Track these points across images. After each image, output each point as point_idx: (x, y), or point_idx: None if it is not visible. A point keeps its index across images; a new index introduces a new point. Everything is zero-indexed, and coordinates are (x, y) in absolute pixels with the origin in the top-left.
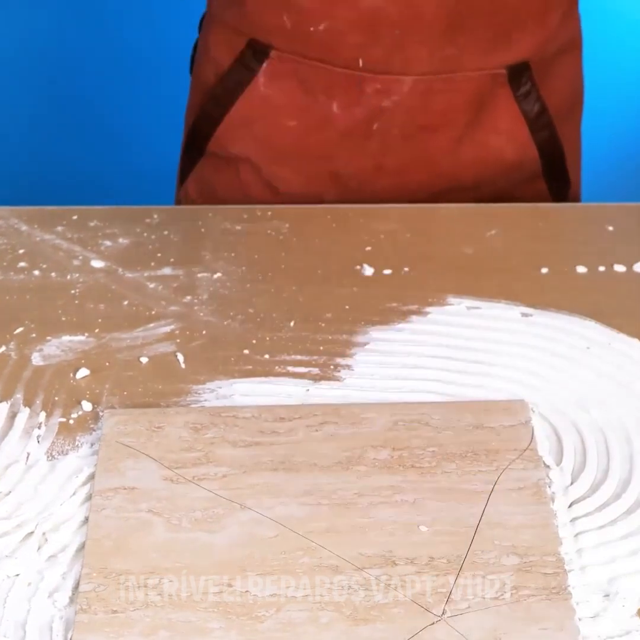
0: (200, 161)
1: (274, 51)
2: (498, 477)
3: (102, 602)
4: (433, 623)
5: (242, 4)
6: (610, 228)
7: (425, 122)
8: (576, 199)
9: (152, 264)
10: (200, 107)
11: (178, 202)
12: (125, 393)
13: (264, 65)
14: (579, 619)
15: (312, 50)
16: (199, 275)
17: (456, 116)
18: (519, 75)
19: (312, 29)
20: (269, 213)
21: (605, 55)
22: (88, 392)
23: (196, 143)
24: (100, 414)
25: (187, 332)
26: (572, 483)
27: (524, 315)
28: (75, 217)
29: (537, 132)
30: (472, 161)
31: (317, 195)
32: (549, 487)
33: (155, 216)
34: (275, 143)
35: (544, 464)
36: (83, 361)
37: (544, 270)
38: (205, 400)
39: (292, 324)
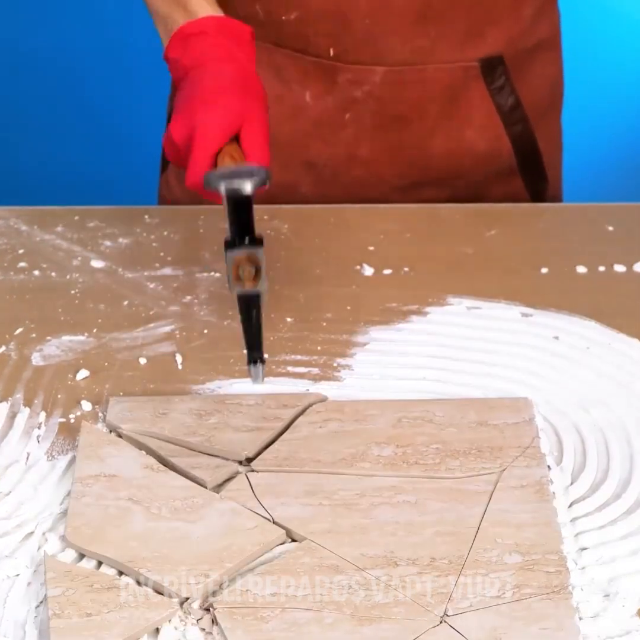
0: None
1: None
2: (501, 475)
3: (74, 605)
4: (435, 626)
5: None
6: (610, 228)
7: (398, 112)
8: (556, 197)
9: (153, 264)
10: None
11: (160, 191)
12: (124, 393)
13: None
14: (579, 619)
15: (285, 39)
16: (199, 275)
17: (428, 107)
18: (492, 69)
19: (284, 17)
20: (269, 214)
21: (606, 55)
22: (88, 392)
23: None
24: (100, 414)
25: (186, 332)
26: (572, 483)
27: (524, 315)
28: (75, 218)
29: (511, 126)
30: (445, 153)
31: (292, 184)
32: (550, 486)
33: (155, 216)
34: None
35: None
36: (82, 361)
37: (544, 270)
38: None
39: (292, 324)
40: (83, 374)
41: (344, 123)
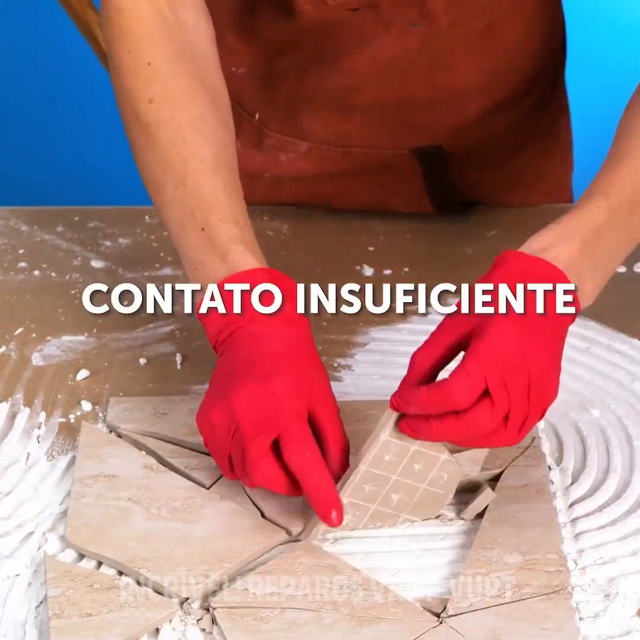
0: None
1: None
2: (501, 474)
3: (73, 605)
4: (435, 626)
5: None
6: None
7: (320, 178)
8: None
9: (153, 264)
10: None
11: None
12: (124, 393)
13: None
14: (579, 619)
15: (231, 88)
16: None
17: (352, 182)
18: (427, 156)
19: (233, 69)
20: (269, 214)
21: (607, 55)
22: (88, 392)
23: None
24: (100, 414)
25: (186, 332)
26: (572, 483)
27: None
28: (75, 218)
29: (440, 201)
30: (366, 209)
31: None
32: (550, 486)
33: (155, 216)
34: None
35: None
36: (83, 362)
37: None
38: None
39: None
40: (83, 374)
41: (263, 178)
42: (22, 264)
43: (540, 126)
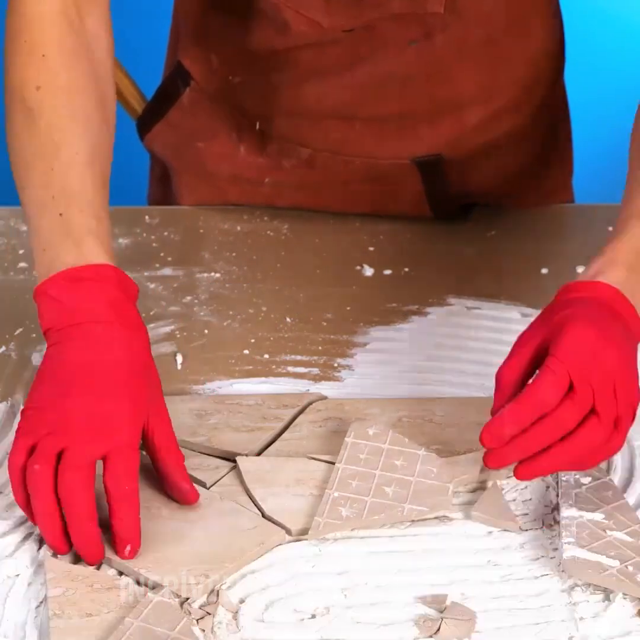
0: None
1: (194, 83)
2: (499, 473)
3: (74, 606)
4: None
5: (174, 30)
6: (610, 228)
7: (320, 185)
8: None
9: (153, 264)
10: (148, 104)
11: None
12: None
13: (187, 90)
14: (580, 619)
15: (227, 98)
16: (199, 275)
17: (353, 187)
18: (427, 165)
19: (230, 78)
20: (268, 215)
21: (608, 55)
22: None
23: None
24: None
25: (187, 333)
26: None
27: (524, 315)
28: None
29: (438, 207)
30: (366, 216)
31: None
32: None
33: (156, 216)
34: (185, 157)
35: None
36: None
37: (544, 270)
38: None
39: (292, 324)
40: None
41: (263, 183)
42: (23, 264)
43: (540, 131)
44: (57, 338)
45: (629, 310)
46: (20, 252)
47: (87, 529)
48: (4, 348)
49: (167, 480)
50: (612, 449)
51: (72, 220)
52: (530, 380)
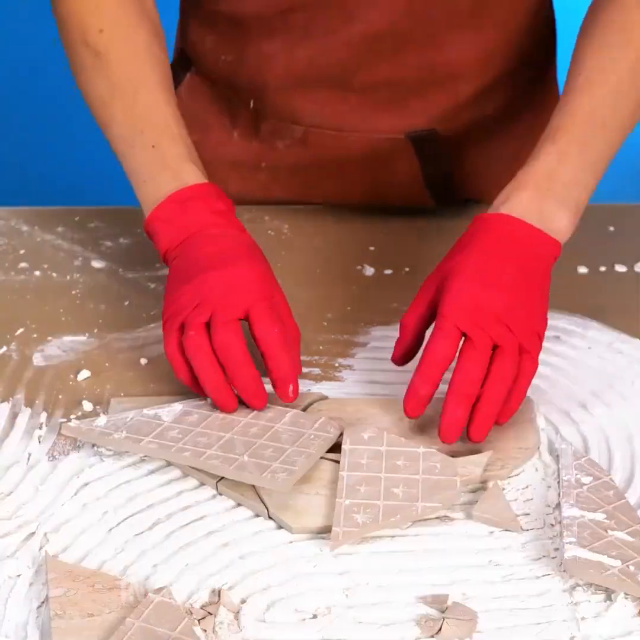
0: None
1: (194, 68)
2: (500, 473)
3: (75, 606)
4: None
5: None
6: (611, 228)
7: (316, 167)
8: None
9: (153, 264)
10: None
11: None
12: (125, 394)
13: (188, 76)
14: (582, 619)
15: (219, 79)
16: None
17: (348, 166)
18: (422, 142)
19: (223, 57)
20: (269, 215)
21: None
22: (89, 393)
23: None
24: (101, 413)
25: None
26: None
27: None
28: (76, 218)
29: (436, 191)
30: (365, 203)
31: None
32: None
33: None
34: None
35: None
36: (84, 362)
37: None
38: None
39: None
40: (84, 374)
41: (260, 168)
42: (23, 265)
43: (533, 106)
44: (177, 252)
45: (532, 235)
46: (21, 252)
47: (247, 372)
48: (4, 348)
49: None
50: (528, 374)
51: (166, 151)
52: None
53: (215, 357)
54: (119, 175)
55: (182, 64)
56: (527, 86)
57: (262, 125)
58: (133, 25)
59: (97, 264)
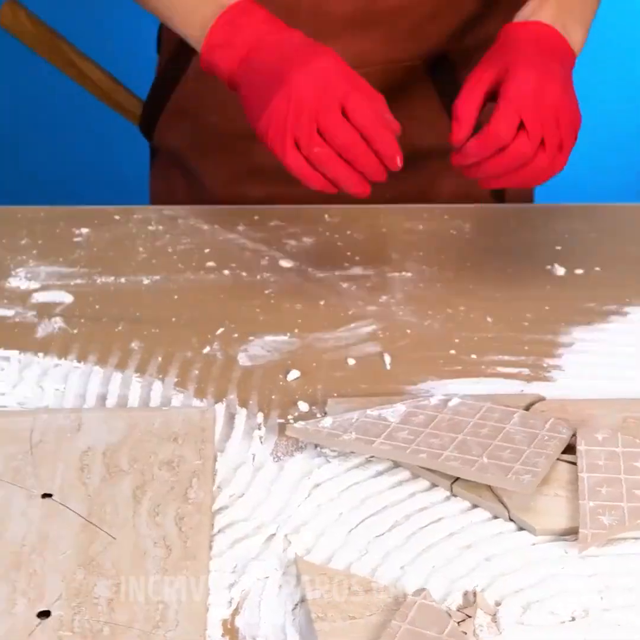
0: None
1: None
2: None
3: (335, 608)
4: None
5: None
6: None
7: None
8: (523, 195)
9: (341, 263)
10: (149, 94)
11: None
12: (337, 394)
13: (193, 61)
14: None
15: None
16: (390, 274)
17: None
18: (436, 67)
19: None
20: (449, 214)
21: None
22: (301, 393)
23: (148, 133)
24: (318, 414)
25: (390, 332)
26: None
27: None
28: (255, 217)
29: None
30: None
31: (241, 192)
32: None
33: (336, 216)
34: (200, 137)
35: None
36: (290, 362)
37: None
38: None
39: (492, 324)
40: (294, 374)
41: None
42: (211, 264)
43: None
44: (243, 70)
45: (563, 44)
46: (206, 251)
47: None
48: (208, 348)
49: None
50: (557, 168)
51: None
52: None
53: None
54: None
55: (184, 52)
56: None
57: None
58: None
59: (285, 263)
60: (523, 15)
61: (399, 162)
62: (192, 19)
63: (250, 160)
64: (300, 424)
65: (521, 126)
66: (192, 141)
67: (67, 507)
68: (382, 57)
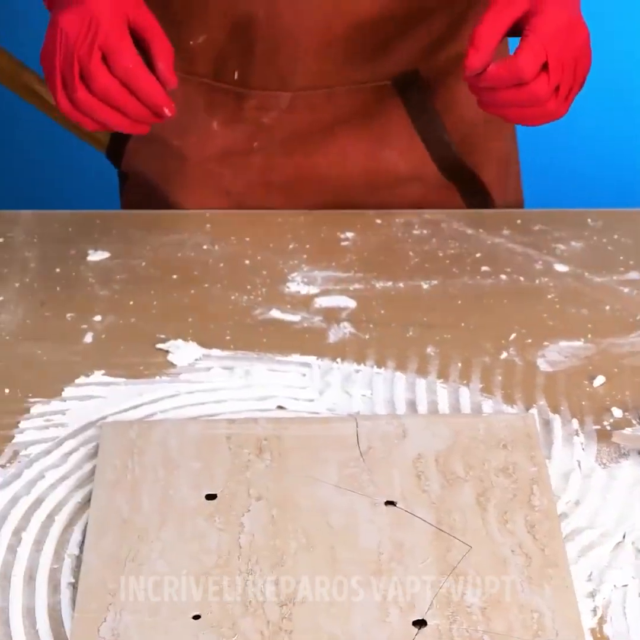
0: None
1: None
2: None
3: None
4: None
5: None
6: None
7: (308, 137)
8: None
9: (617, 268)
10: None
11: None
12: None
13: None
14: None
15: (193, 65)
16: None
17: (340, 129)
18: (407, 86)
19: (191, 43)
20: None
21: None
22: (610, 399)
23: (114, 160)
24: (633, 421)
25: None
26: None
27: None
28: (518, 221)
29: (434, 145)
30: (362, 173)
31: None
32: None
33: (598, 219)
34: (166, 162)
35: None
36: (591, 367)
37: None
38: None
39: None
40: (600, 380)
41: (252, 150)
42: (485, 268)
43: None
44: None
45: None
46: (477, 255)
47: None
48: (505, 354)
49: (155, 66)
50: (558, 115)
51: None
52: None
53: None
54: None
55: None
56: None
57: (245, 104)
58: None
59: (559, 267)
60: None
61: (167, 112)
62: None
63: (219, 183)
64: (627, 431)
65: (544, 66)
66: (160, 167)
67: (415, 515)
68: (346, 78)
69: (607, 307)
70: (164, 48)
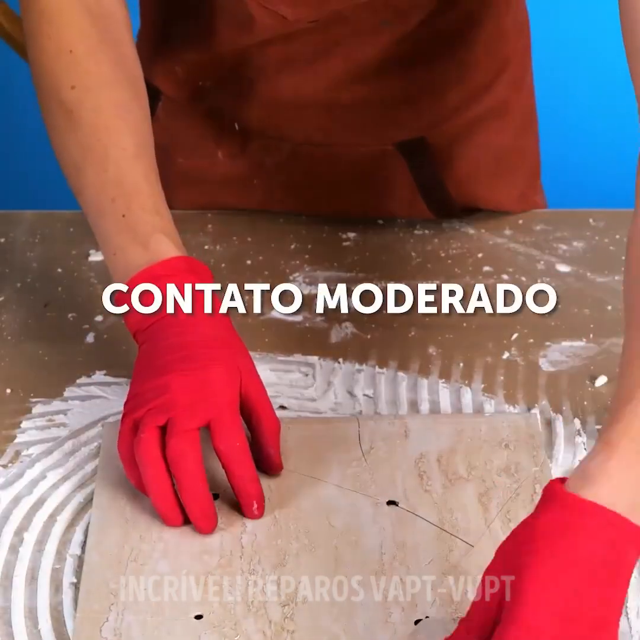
0: None
1: (165, 96)
2: None
3: None
4: None
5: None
6: None
7: (307, 184)
8: None
9: (619, 269)
10: None
11: None
12: None
13: (160, 103)
14: None
15: (200, 103)
16: None
17: (340, 180)
18: (412, 151)
19: (200, 83)
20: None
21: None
22: (611, 399)
23: None
24: None
25: None
26: None
27: None
28: (519, 221)
29: (433, 201)
30: (360, 217)
31: None
32: None
33: (600, 219)
34: (167, 176)
35: None
36: (593, 367)
37: None
38: None
39: None
40: (602, 380)
41: (252, 186)
42: (487, 268)
43: (517, 107)
44: (145, 337)
45: (623, 529)
46: (479, 256)
47: (198, 488)
48: (507, 354)
49: (260, 446)
50: None
51: (136, 221)
52: None
53: (166, 466)
54: None
55: (150, 94)
56: (510, 86)
57: (249, 144)
58: (107, 80)
59: (562, 268)
60: (574, 481)
61: (254, 509)
62: (119, 252)
63: (215, 201)
64: None
65: None
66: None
67: (417, 515)
68: (350, 139)
69: (609, 307)
70: (274, 429)
